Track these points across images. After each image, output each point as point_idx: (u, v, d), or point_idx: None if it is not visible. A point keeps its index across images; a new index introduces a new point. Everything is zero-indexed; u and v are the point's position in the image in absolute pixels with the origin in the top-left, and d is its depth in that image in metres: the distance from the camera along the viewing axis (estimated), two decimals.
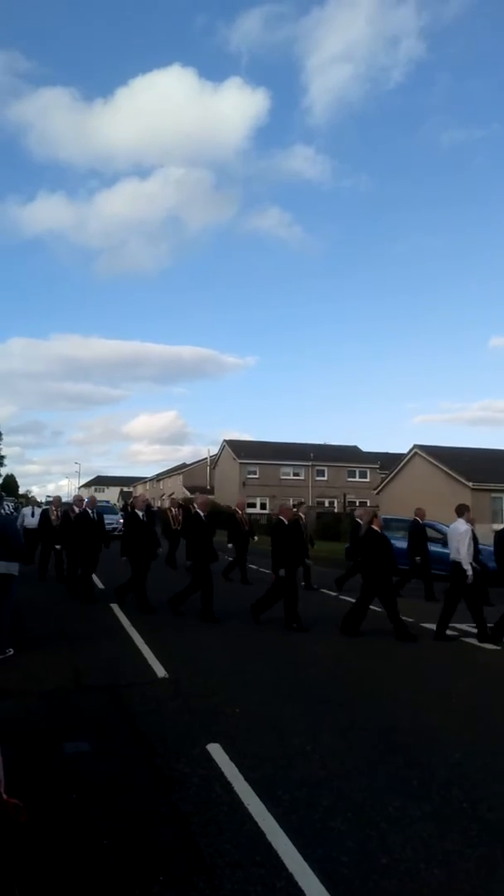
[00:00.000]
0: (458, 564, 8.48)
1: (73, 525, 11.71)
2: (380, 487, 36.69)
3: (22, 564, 7.19)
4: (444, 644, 8.34)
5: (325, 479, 55.04)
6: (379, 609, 8.98)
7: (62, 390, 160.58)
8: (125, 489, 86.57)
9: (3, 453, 73.85)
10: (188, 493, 52.07)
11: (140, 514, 10.23)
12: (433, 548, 13.25)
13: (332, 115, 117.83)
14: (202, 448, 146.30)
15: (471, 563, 8.54)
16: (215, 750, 4.40)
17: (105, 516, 14.00)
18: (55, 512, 13.48)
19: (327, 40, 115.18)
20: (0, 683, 5.81)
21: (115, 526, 21.20)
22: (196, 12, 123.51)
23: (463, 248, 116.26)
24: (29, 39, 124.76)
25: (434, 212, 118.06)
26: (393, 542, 9.33)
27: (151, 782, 3.95)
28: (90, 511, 11.41)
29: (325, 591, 12.84)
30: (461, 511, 9.02)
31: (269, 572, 9.46)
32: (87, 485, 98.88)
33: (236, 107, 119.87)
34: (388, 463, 48.51)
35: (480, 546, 11.00)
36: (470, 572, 8.41)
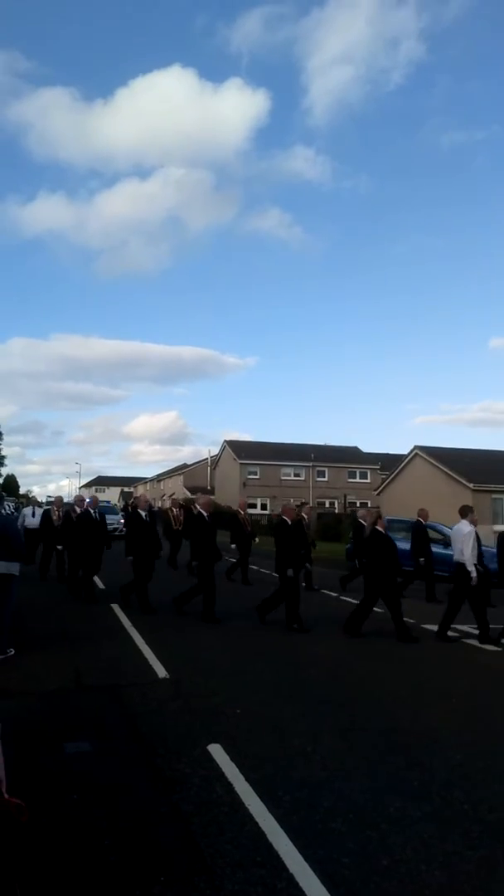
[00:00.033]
0: (462, 566, 8.46)
1: (75, 525, 11.72)
2: (380, 488, 36.67)
3: (22, 564, 7.20)
4: (445, 645, 8.34)
5: (326, 479, 55.02)
6: (380, 610, 8.98)
7: (62, 390, 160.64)
8: (126, 489, 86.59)
9: (3, 453, 73.86)
10: (189, 494, 52.08)
11: (143, 514, 10.24)
12: (434, 549, 13.26)
13: (332, 116, 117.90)
14: (203, 448, 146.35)
15: (475, 565, 8.53)
16: (216, 750, 4.40)
17: (106, 516, 14.00)
18: (57, 512, 13.49)
19: (327, 41, 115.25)
20: (1, 683, 5.82)
21: (115, 526, 21.21)
22: (196, 13, 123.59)
23: (463, 249, 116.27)
24: (29, 39, 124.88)
25: (434, 213, 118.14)
26: (395, 542, 9.32)
27: (152, 782, 3.95)
28: (92, 511, 11.41)
29: (325, 591, 12.84)
30: (465, 512, 9.00)
31: (270, 573, 9.47)
32: (88, 485, 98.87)
33: (236, 107, 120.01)
34: (388, 464, 48.49)
35: (483, 548, 10.99)
36: (474, 574, 8.39)
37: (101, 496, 29.11)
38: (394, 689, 6.27)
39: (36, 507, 17.79)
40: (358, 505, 38.50)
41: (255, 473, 53.31)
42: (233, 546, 14.19)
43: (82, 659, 6.86)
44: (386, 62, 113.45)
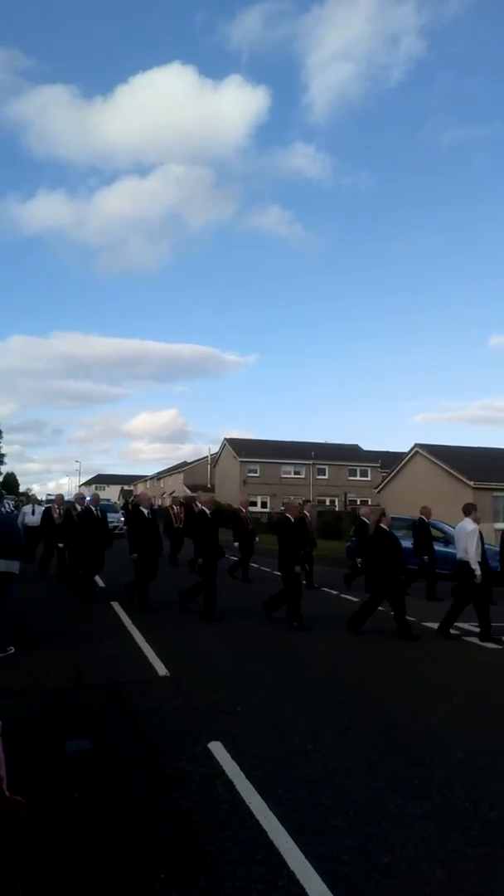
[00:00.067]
0: (466, 564, 8.45)
1: (76, 523, 11.71)
2: (381, 486, 36.69)
3: (22, 563, 7.20)
4: (446, 643, 8.34)
5: (326, 477, 55.01)
6: (381, 608, 8.97)
7: (62, 388, 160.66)
8: (126, 487, 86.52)
9: (3, 451, 73.78)
10: (189, 492, 52.13)
11: (145, 512, 10.24)
12: (435, 547, 13.28)
13: (332, 113, 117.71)
14: (203, 446, 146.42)
15: (478, 563, 8.52)
16: (216, 748, 4.40)
17: (107, 514, 14.00)
18: (58, 510, 13.49)
19: (327, 38, 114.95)
20: (1, 682, 5.82)
21: (116, 524, 21.21)
22: (196, 10, 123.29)
23: (463, 247, 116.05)
24: (29, 37, 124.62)
25: (434, 210, 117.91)
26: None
27: (152, 780, 3.95)
28: (94, 509, 11.40)
29: (326, 589, 12.84)
30: (468, 510, 8.99)
31: (270, 571, 9.47)
32: (88, 483, 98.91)
33: (236, 104, 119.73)
34: (388, 462, 48.51)
35: (485, 546, 10.98)
36: (479, 572, 8.38)
37: (102, 494, 29.10)
38: (394, 687, 6.27)
39: (35, 506, 17.80)
40: (358, 503, 38.53)
41: (256, 471, 53.31)
42: (235, 544, 14.20)
43: (82, 657, 6.87)
44: (386, 59, 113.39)
